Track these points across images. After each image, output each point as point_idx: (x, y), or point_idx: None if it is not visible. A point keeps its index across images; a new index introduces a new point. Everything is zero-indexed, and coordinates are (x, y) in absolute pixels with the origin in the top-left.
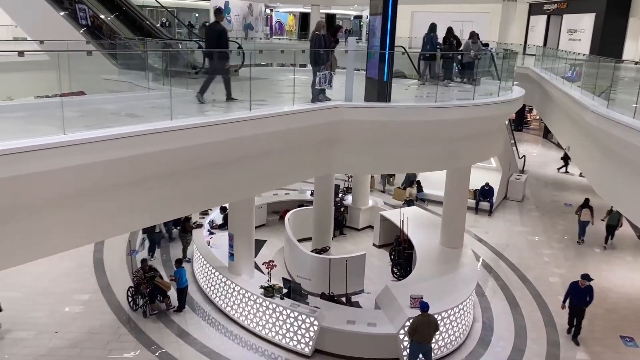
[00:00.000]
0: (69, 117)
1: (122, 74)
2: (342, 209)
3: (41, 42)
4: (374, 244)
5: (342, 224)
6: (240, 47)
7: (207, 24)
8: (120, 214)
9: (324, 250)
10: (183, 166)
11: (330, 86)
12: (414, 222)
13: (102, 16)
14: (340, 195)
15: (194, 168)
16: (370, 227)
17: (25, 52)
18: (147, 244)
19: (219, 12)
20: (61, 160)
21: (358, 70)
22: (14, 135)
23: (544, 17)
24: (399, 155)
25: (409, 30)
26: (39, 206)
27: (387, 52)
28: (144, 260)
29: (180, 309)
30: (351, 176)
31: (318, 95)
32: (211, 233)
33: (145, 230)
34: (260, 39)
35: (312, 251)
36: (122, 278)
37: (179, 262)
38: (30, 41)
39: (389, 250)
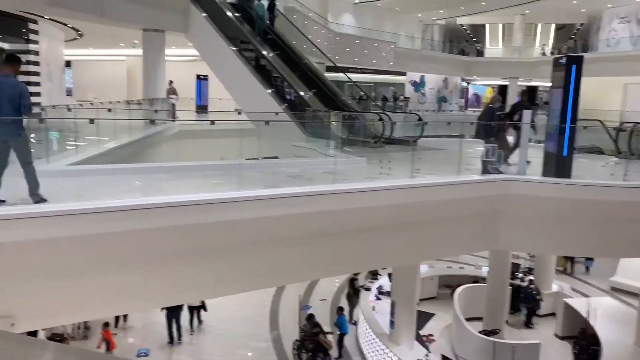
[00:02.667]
0: (255, 177)
1: (309, 141)
2: (535, 294)
3: (239, 112)
4: (555, 335)
5: (533, 312)
6: (420, 119)
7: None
8: (289, 265)
9: (493, 332)
10: (344, 227)
11: (497, 160)
12: (604, 314)
13: (302, 93)
14: (520, 275)
15: (354, 230)
16: (553, 314)
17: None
18: None
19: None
20: (237, 212)
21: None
22: (206, 189)
23: None
24: (578, 237)
25: (621, 103)
26: (222, 249)
27: (567, 126)
28: (310, 316)
29: (339, 355)
30: (533, 255)
31: (488, 167)
32: (378, 298)
33: None
34: (451, 111)
35: (480, 332)
36: (292, 330)
37: (340, 309)
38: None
39: (571, 343)
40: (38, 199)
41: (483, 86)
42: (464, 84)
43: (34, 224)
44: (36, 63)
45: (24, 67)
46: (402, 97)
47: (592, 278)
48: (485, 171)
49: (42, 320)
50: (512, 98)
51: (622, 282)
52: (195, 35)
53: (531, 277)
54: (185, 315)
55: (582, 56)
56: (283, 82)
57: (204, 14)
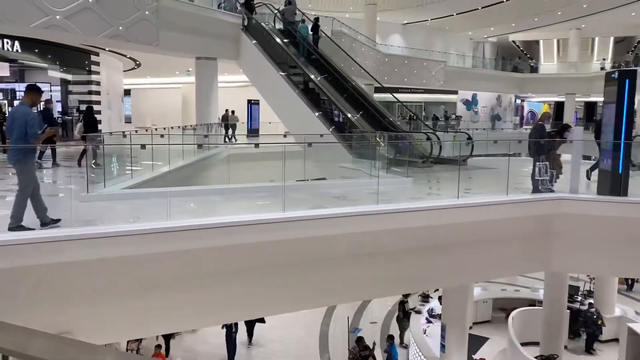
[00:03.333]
0: (302, 198)
1: (355, 162)
2: (595, 318)
3: (285, 135)
4: None
5: (595, 337)
6: (469, 138)
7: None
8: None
9: (551, 358)
10: (390, 248)
11: (549, 180)
12: None
13: (349, 115)
14: (579, 298)
15: (400, 251)
16: (616, 339)
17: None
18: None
19: None
20: (283, 233)
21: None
22: (253, 210)
23: None
24: (637, 258)
25: None
26: (271, 268)
27: (622, 142)
28: (359, 339)
29: None
30: (593, 277)
31: (539, 186)
32: (429, 321)
33: None
34: (502, 129)
35: (536, 357)
36: (341, 353)
37: (390, 338)
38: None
39: None
40: (13, 227)
41: (539, 103)
42: (519, 101)
43: (89, 244)
44: (97, 92)
45: (86, 97)
46: (453, 116)
47: None
48: (536, 190)
49: (98, 337)
50: (570, 115)
51: None
52: (245, 62)
53: (591, 300)
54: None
55: (635, 70)
56: (331, 104)
57: (254, 41)
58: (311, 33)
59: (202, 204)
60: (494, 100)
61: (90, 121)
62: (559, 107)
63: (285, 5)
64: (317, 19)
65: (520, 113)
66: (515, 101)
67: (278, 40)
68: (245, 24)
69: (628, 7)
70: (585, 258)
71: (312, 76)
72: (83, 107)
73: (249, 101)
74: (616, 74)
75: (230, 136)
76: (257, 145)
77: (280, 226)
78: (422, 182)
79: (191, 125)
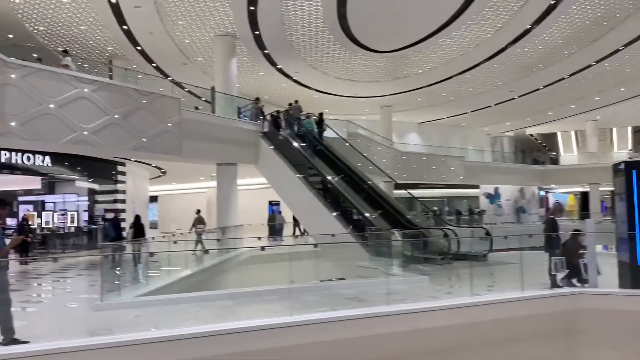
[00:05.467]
0: (311, 300)
1: (371, 260)
2: None
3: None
4: None
5: None
6: (488, 234)
7: None
8: None
9: None
10: (404, 350)
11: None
12: None
13: (367, 214)
14: None
15: (418, 353)
16: None
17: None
18: None
19: None
20: (286, 338)
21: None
22: (262, 315)
23: None
24: None
25: None
26: None
27: (637, 234)
28: None
29: None
30: None
31: (557, 281)
32: None
33: None
34: (534, 222)
35: None
36: None
37: None
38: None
39: None
40: (6, 342)
41: (564, 194)
42: (542, 192)
43: (94, 355)
44: (122, 201)
45: (111, 205)
46: (477, 210)
47: None
48: (554, 285)
49: None
50: (595, 204)
51: None
52: (264, 166)
53: None
54: None
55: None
56: (348, 203)
57: (272, 146)
58: (315, 125)
59: (213, 309)
60: (517, 193)
61: (138, 227)
62: (585, 196)
63: (291, 105)
64: (321, 114)
65: (545, 204)
66: (539, 193)
67: (296, 144)
68: (265, 131)
69: None
70: (615, 357)
71: (329, 177)
72: (109, 215)
73: (270, 202)
74: (623, 165)
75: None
76: (262, 248)
77: (286, 331)
78: (441, 280)
79: (213, 229)
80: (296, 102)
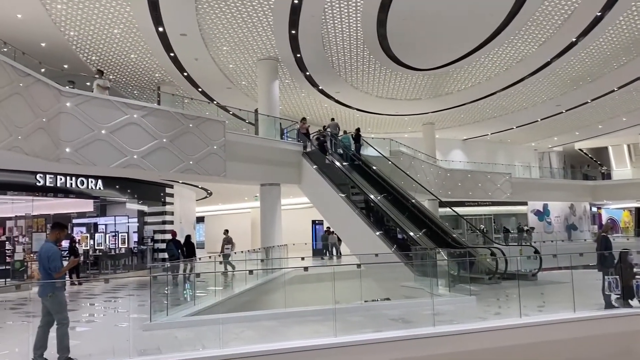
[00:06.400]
0: (356, 321)
1: (416, 280)
2: None
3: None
4: None
5: None
6: (537, 252)
7: None
8: None
9: None
10: None
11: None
12: None
13: (412, 233)
14: None
15: None
16: None
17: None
18: None
19: None
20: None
21: None
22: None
23: None
24: None
25: None
26: None
27: None
28: None
29: None
30: None
31: (612, 301)
32: None
33: None
34: (585, 240)
35: None
36: None
37: None
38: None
39: None
40: None
41: (618, 210)
42: (594, 209)
43: None
44: (170, 222)
45: (160, 227)
46: (525, 228)
47: None
48: (609, 306)
49: None
50: None
51: None
52: (306, 186)
53: None
54: None
55: None
56: (392, 223)
57: (315, 166)
58: (353, 141)
59: (257, 330)
60: (567, 210)
61: (190, 247)
62: None
63: (330, 122)
64: (358, 130)
65: (598, 221)
66: (590, 209)
67: (338, 164)
68: (307, 150)
69: None
70: None
71: (372, 196)
72: (158, 237)
73: (314, 222)
74: None
75: (336, 254)
76: (306, 268)
77: (331, 352)
78: (489, 300)
79: (256, 249)
80: (332, 119)
